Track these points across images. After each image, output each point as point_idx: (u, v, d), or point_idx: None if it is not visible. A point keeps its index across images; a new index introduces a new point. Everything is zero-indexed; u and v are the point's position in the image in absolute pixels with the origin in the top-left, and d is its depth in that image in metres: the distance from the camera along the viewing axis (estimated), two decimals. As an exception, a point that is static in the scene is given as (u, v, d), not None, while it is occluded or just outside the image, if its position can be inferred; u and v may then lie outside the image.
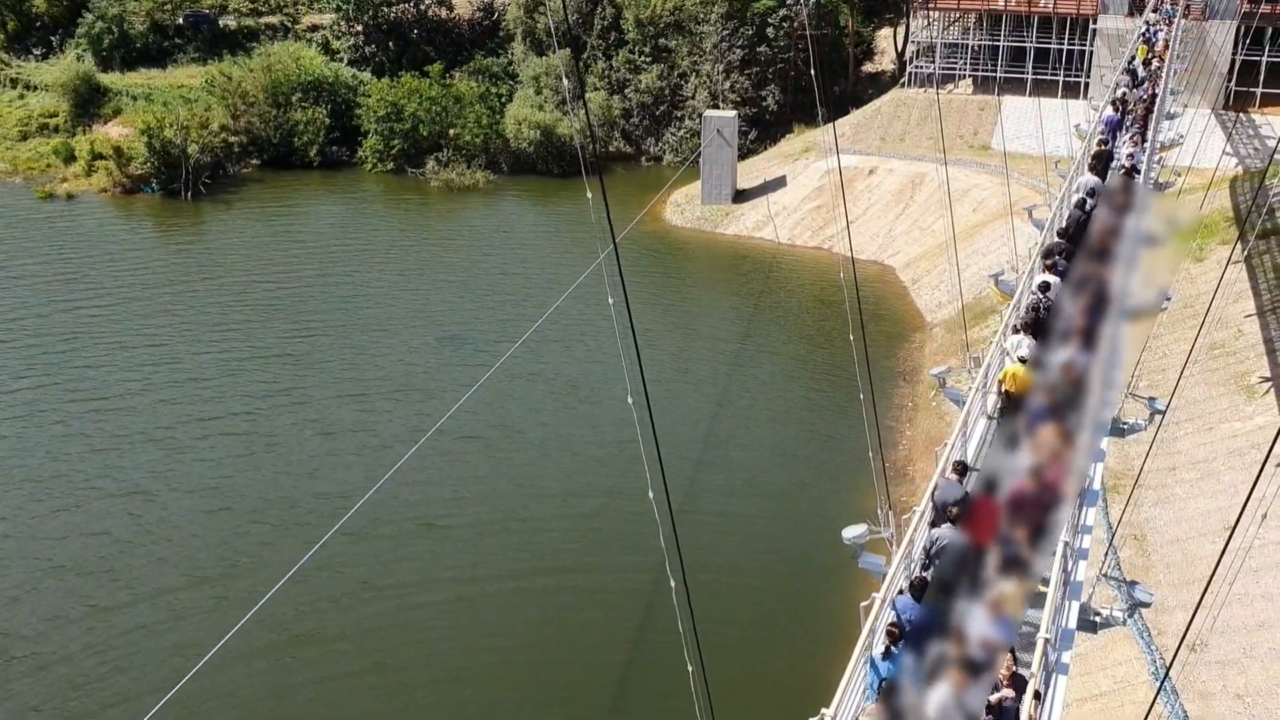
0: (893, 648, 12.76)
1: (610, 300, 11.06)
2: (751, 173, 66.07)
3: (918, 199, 57.21)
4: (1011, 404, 17.85)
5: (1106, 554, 24.48)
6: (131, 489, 33.53)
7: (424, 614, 27.79)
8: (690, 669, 12.07)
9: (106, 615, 27.56)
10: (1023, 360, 18.48)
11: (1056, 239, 24.66)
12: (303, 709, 24.58)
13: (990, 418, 19.81)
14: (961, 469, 16.19)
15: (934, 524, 15.49)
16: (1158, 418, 21.22)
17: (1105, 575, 20.00)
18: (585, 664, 25.52)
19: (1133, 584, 17.59)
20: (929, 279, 50.22)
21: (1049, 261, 22.59)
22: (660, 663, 23.20)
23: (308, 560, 23.70)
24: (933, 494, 15.79)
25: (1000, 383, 19.40)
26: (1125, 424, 21.40)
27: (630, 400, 11.15)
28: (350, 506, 29.01)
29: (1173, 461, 29.06)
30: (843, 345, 37.20)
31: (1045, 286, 20.70)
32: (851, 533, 16.29)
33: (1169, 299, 25.73)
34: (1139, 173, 29.87)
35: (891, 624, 13.11)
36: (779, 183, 63.61)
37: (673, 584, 11.27)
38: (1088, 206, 25.18)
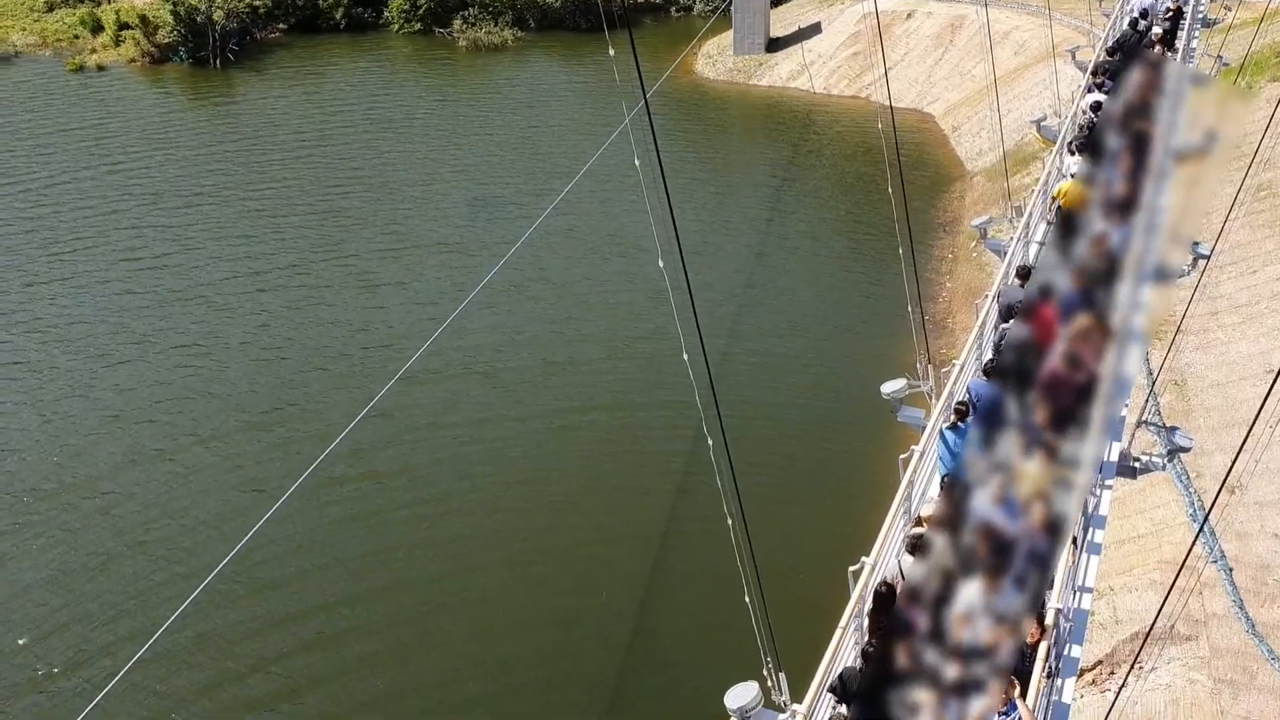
0: (959, 423, 13.95)
1: (636, 161, 10.93)
2: (785, 19, 64.27)
3: (957, 43, 55.54)
4: (1066, 219, 18.09)
5: (1147, 400, 24.49)
6: (185, 343, 34.45)
7: (475, 452, 28.81)
8: (730, 521, 12.28)
9: (171, 459, 28.65)
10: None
11: (1106, 57, 24.25)
12: (361, 540, 25.67)
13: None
14: (1025, 273, 17.24)
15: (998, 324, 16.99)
16: (1201, 262, 20.91)
17: (1145, 421, 20.02)
18: (626, 513, 26.11)
19: (1172, 429, 17.59)
20: (969, 126, 49.12)
21: (1097, 80, 22.55)
22: (700, 513, 23.72)
23: (362, 406, 24.82)
24: (996, 297, 17.48)
25: (1055, 199, 20.38)
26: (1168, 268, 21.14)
27: (660, 264, 11.09)
28: (400, 356, 29.93)
29: (1215, 306, 28.74)
30: (881, 196, 36.76)
31: (1097, 106, 21.02)
32: (890, 387, 16.38)
33: (1216, 140, 25.00)
34: (1187, 7, 28.80)
35: (960, 401, 14.47)
36: (814, 29, 61.87)
37: (710, 441, 11.40)
38: (1140, 27, 24.54)
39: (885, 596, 11.83)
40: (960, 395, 15.29)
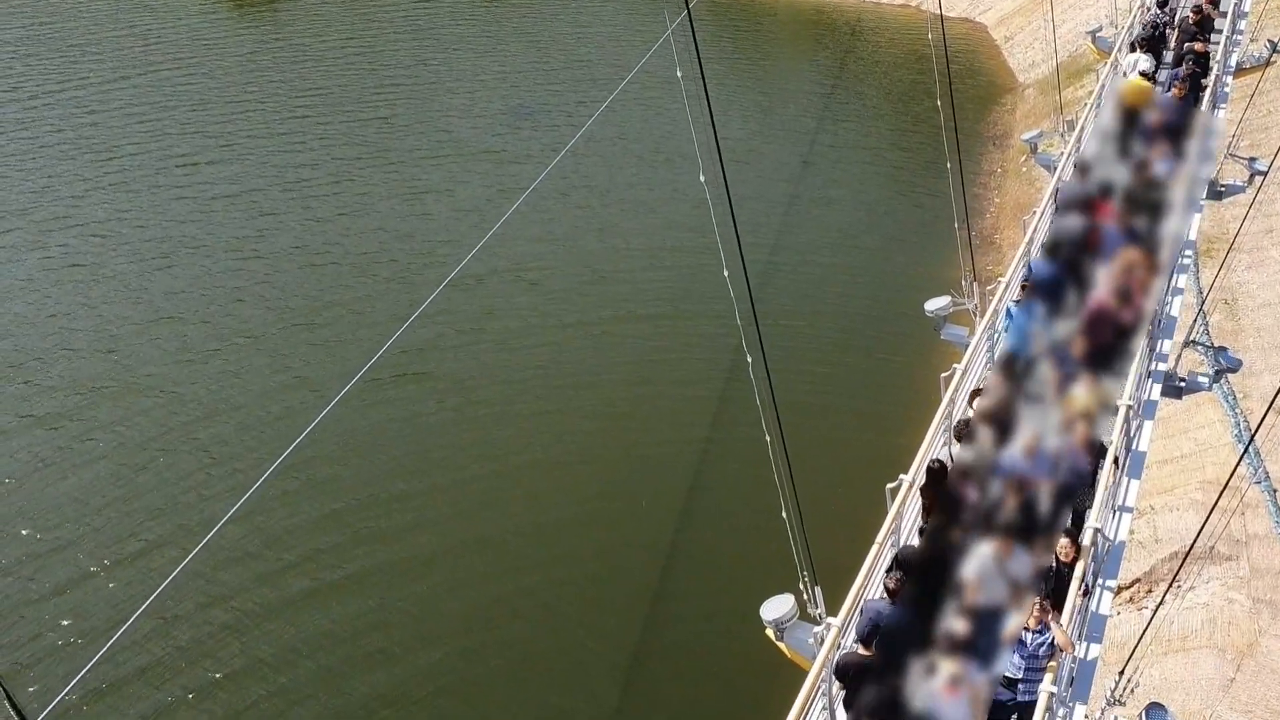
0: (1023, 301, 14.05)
1: (679, 72, 10.74)
2: (835, -76, 62.53)
3: (1013, -52, 53.84)
4: (1127, 116, 17.85)
5: (1195, 319, 24.12)
6: (233, 247, 34.94)
7: (519, 357, 29.26)
8: (769, 437, 12.33)
9: (224, 359, 29.38)
10: (1143, 75, 18.94)
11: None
12: (409, 440, 26.32)
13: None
14: (1084, 168, 16.77)
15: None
16: (1258, 179, 20.41)
17: (1192, 341, 19.75)
18: (666, 423, 26.29)
19: (1220, 349, 17.36)
20: (1022, 36, 47.85)
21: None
22: (740, 427, 23.81)
23: (408, 310, 26.03)
24: (1054, 194, 17.71)
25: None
26: (1223, 186, 20.66)
27: (702, 178, 10.97)
28: (444, 262, 30.25)
29: (1270, 224, 28.09)
30: (930, 108, 36.03)
31: (1163, 1, 20.81)
32: (934, 304, 16.24)
33: (1276, 50, 24.22)
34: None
35: (1025, 279, 14.76)
36: (864, -65, 60.18)
37: (749, 359, 11.39)
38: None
39: (937, 472, 11.88)
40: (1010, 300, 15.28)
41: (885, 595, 11.02)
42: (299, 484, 24.43)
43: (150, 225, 36.41)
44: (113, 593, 21.89)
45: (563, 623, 21.13)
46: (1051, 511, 7.37)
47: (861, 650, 10.44)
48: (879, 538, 12.26)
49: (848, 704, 9.84)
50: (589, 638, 20.82)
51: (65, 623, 21.15)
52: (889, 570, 11.42)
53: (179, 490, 24.57)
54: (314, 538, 23.31)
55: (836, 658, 10.49)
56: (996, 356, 13.81)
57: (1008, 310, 14.53)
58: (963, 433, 11.92)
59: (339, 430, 25.49)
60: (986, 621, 7.93)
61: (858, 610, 11.54)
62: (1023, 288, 14.38)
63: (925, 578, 8.87)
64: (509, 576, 22.24)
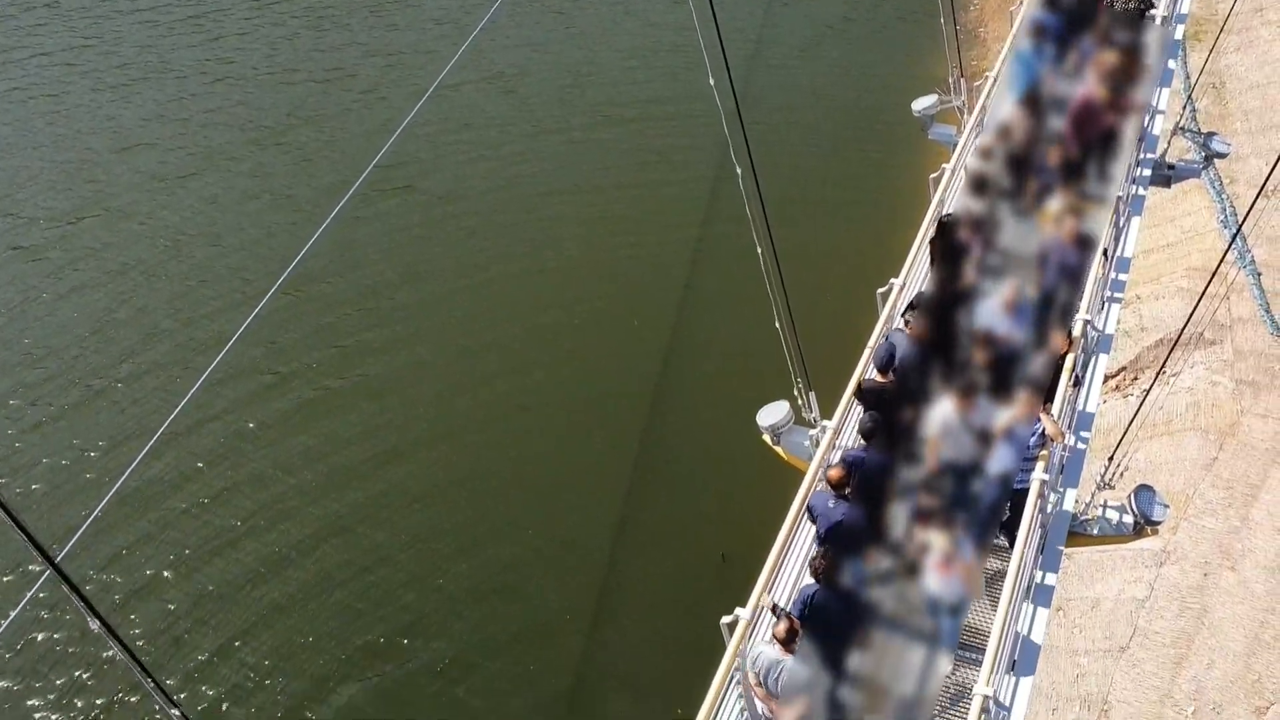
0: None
1: None
2: None
3: None
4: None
5: (1184, 106, 23.85)
6: (199, 68, 34.55)
7: (502, 165, 29.21)
8: (759, 248, 12.33)
9: (200, 180, 29.35)
10: None
11: None
12: (402, 251, 26.57)
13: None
14: None
15: None
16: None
17: (1181, 128, 19.56)
18: (653, 235, 26.24)
19: (1209, 135, 17.19)
20: None
21: None
22: (729, 237, 23.77)
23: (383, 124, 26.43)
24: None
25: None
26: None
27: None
28: (422, 72, 30.52)
29: (1260, 2, 27.46)
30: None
31: None
32: (921, 104, 16.01)
33: None
34: None
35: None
36: None
37: (739, 171, 11.28)
38: None
39: (948, 226, 11.95)
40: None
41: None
42: (293, 300, 24.60)
43: (116, 52, 35.59)
44: (115, 419, 22.30)
45: (563, 425, 21.53)
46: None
47: (878, 377, 11.21)
48: (870, 341, 12.42)
49: (867, 433, 10.35)
50: (591, 439, 21.21)
51: (71, 454, 21.57)
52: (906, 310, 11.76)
53: (170, 314, 24.82)
54: (313, 351, 23.72)
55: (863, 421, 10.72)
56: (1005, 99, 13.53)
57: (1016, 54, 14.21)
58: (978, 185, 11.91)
59: (326, 246, 25.49)
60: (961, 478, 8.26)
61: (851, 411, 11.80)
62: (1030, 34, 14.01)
63: (937, 318, 9.27)
64: (509, 377, 22.62)
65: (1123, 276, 13.57)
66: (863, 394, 11.17)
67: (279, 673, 17.53)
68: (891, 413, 9.54)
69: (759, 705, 9.55)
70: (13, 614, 16.84)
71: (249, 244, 26.55)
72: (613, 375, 22.61)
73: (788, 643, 9.06)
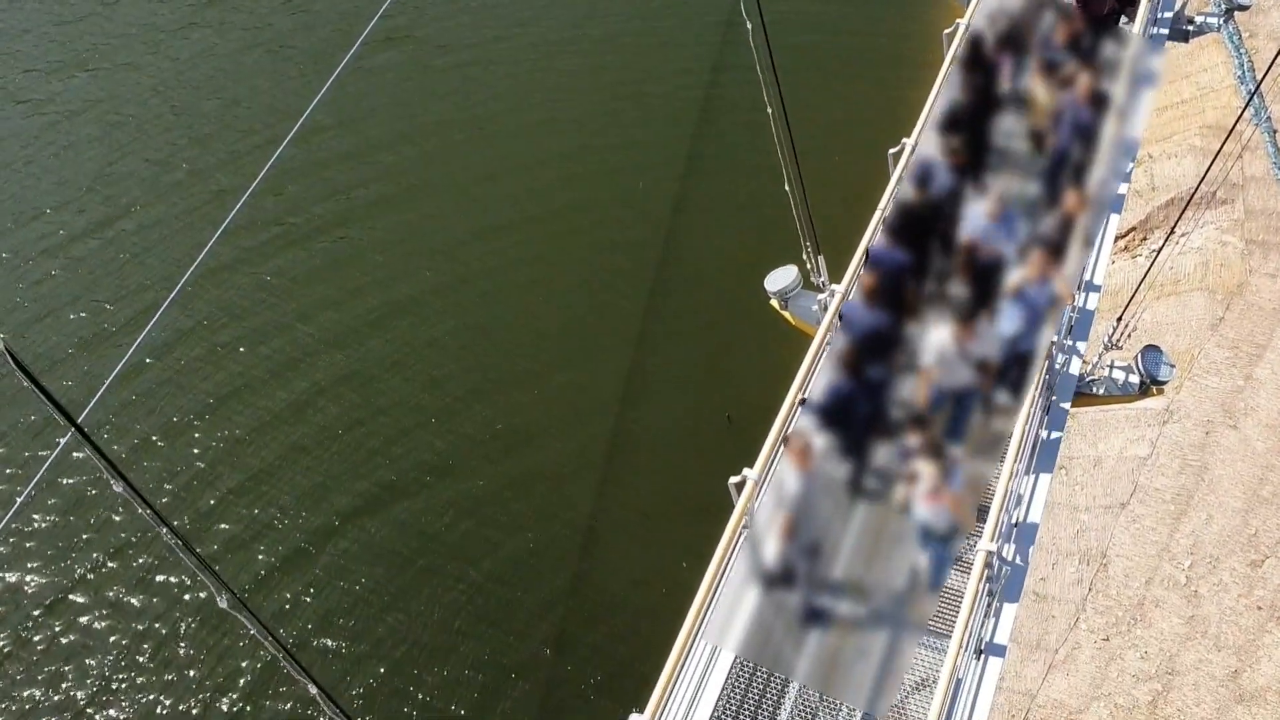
0: None
1: None
2: None
3: None
4: None
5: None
6: None
7: (499, 14, 28.81)
8: (770, 109, 12.12)
9: (197, 32, 28.93)
10: None
11: None
12: (413, 106, 26.23)
13: None
14: None
15: None
16: None
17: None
18: (664, 92, 25.80)
19: (1230, -14, 16.69)
20: None
21: None
22: (739, 99, 23.39)
23: None
24: None
25: None
26: None
27: None
28: None
29: None
30: None
31: None
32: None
33: None
34: None
35: None
36: None
37: (749, 25, 11.00)
38: None
39: (978, 44, 11.72)
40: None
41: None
42: (300, 151, 24.46)
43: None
44: (130, 272, 22.37)
45: (572, 279, 21.54)
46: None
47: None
48: (881, 203, 12.31)
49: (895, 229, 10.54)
50: (599, 293, 21.21)
51: (87, 309, 21.66)
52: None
53: (173, 167, 24.65)
54: (322, 203, 23.68)
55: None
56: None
57: None
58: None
59: (329, 97, 25.21)
60: (957, 412, 8.44)
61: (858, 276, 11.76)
62: None
63: (968, 130, 9.33)
64: (519, 228, 22.62)
65: (1136, 137, 13.34)
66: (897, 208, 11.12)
67: (299, 509, 17.86)
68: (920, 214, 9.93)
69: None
70: (35, 477, 17.11)
71: (249, 96, 26.20)
72: (620, 231, 22.46)
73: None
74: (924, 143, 12.78)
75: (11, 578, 17.32)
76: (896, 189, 11.38)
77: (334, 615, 16.57)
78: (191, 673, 15.99)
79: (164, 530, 6.55)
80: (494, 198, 23.33)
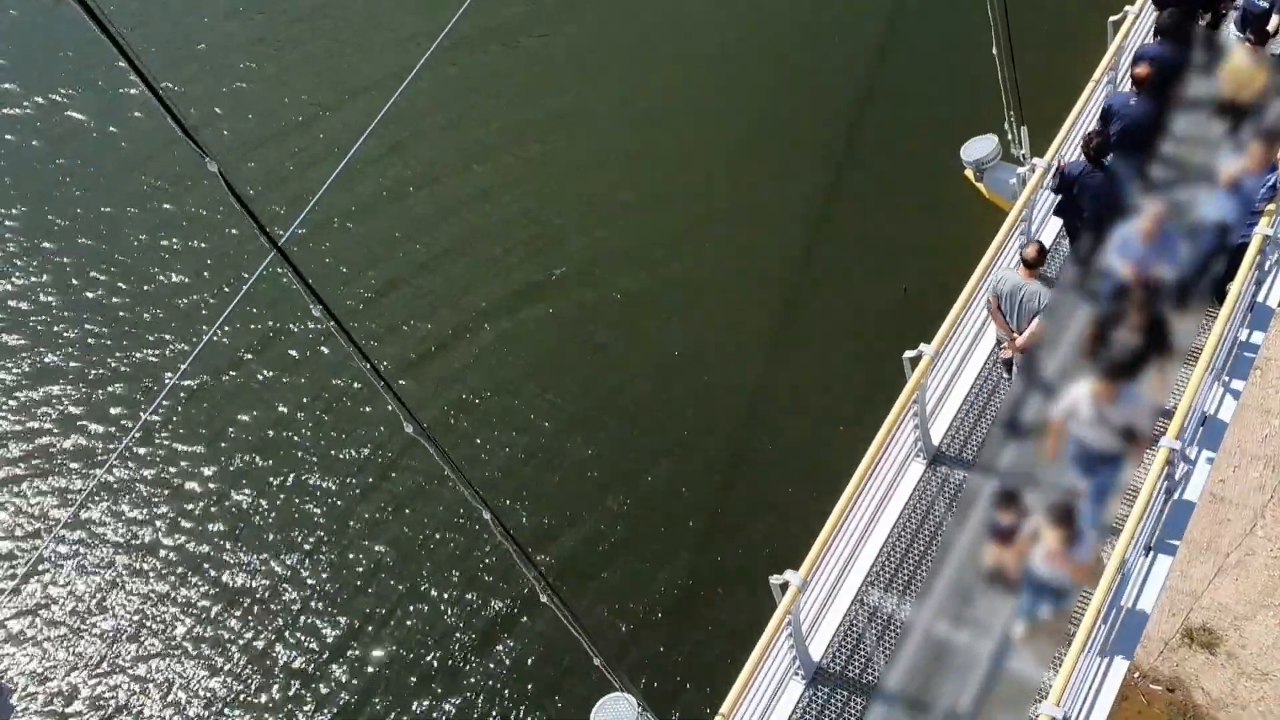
0: None
1: None
2: None
3: None
4: None
5: None
6: None
7: None
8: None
9: None
10: None
11: None
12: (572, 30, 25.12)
13: None
14: None
15: None
16: None
17: None
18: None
19: None
20: None
21: None
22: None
23: None
24: None
25: None
26: None
27: None
28: None
29: None
30: None
31: None
32: None
33: None
34: None
35: None
36: None
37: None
38: None
39: None
40: None
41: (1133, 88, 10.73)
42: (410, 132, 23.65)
43: None
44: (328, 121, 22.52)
45: (752, 135, 20.78)
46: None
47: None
48: (1096, 74, 11.63)
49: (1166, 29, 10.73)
50: (780, 149, 20.50)
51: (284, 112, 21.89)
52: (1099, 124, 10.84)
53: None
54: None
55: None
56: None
57: None
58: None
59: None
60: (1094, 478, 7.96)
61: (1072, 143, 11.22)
62: None
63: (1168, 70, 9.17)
64: (696, 84, 21.80)
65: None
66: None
67: (498, 357, 17.88)
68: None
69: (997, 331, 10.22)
70: (237, 295, 17.88)
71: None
72: (809, 86, 21.61)
73: (1034, 266, 9.36)
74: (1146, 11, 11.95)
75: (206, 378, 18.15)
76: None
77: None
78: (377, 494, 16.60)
79: (354, 352, 6.85)
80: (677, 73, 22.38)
